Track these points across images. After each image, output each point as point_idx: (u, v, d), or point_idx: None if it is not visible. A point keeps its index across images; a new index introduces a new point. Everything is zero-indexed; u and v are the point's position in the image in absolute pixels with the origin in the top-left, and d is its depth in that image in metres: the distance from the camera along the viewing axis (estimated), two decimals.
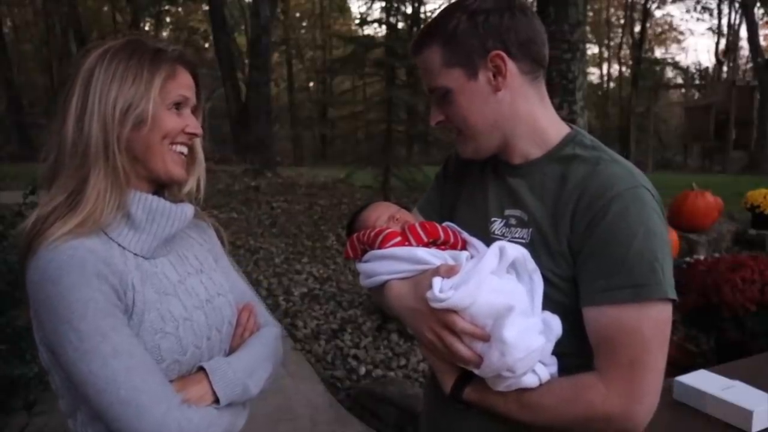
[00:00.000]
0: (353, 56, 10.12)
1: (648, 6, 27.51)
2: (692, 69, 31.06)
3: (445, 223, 1.31)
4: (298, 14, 32.15)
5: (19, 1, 25.48)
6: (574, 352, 1.13)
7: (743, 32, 25.57)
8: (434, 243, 1.24)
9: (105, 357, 1.03)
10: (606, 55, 34.30)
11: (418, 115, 9.32)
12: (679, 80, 29.98)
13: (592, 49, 32.70)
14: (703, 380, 1.85)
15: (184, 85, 1.21)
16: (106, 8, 27.14)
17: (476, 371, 1.12)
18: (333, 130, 21.31)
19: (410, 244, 1.23)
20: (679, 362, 3.39)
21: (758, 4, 21.58)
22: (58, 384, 1.15)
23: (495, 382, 1.11)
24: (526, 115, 1.23)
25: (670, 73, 31.68)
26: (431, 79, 1.23)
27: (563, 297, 1.15)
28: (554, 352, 1.12)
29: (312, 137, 28.17)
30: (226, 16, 18.90)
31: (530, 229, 1.21)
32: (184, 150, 1.24)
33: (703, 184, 6.75)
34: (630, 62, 29.48)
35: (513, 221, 1.24)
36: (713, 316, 3.53)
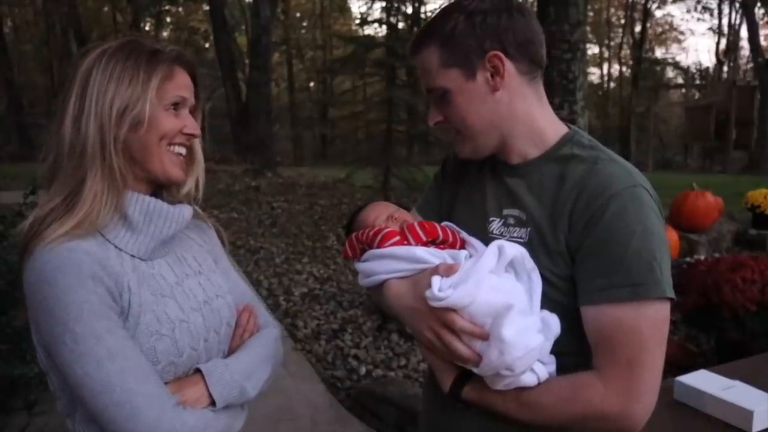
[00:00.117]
0: (354, 56, 10.12)
1: (648, 6, 27.51)
2: (693, 69, 31.05)
3: (443, 223, 1.31)
4: (298, 14, 32.15)
5: (19, 1, 25.49)
6: (573, 351, 1.14)
7: (744, 32, 25.58)
8: (433, 242, 1.24)
9: (99, 359, 1.03)
10: (606, 55, 34.32)
11: (418, 115, 9.31)
12: (680, 80, 29.97)
13: (593, 49, 32.71)
14: (703, 380, 1.85)
15: (181, 85, 1.20)
16: (106, 8, 27.12)
17: (475, 370, 1.12)
18: (333, 130, 21.32)
19: (409, 244, 1.23)
20: (680, 362, 3.39)
21: (759, 4, 21.57)
22: (56, 385, 1.15)
23: (494, 381, 1.12)
24: (524, 115, 1.24)
25: (670, 73, 31.67)
26: (429, 80, 1.23)
27: (561, 296, 1.15)
28: (553, 351, 1.12)
29: (312, 137, 28.17)
30: (227, 16, 18.89)
31: (528, 229, 1.21)
32: (182, 151, 1.23)
33: (704, 184, 6.75)
34: (630, 62, 29.48)
35: (511, 221, 1.25)
36: (713, 316, 3.53)
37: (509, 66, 1.19)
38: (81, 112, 1.13)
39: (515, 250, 1.14)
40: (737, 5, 26.36)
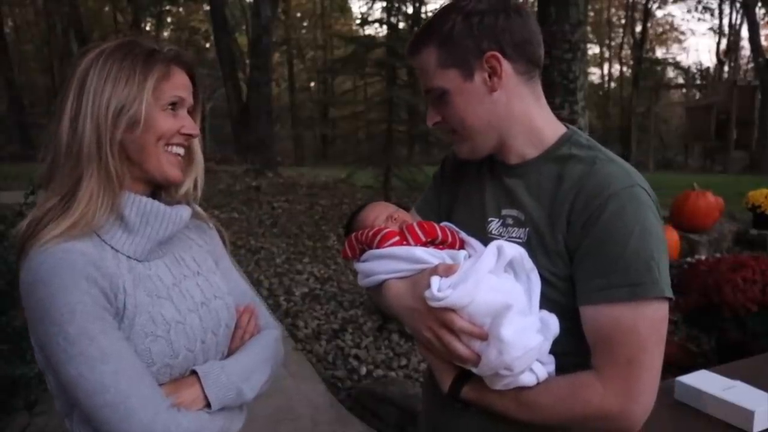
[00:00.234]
0: (354, 56, 10.12)
1: (649, 6, 27.51)
2: (693, 69, 31.06)
3: (443, 223, 1.31)
4: (299, 14, 32.16)
5: (20, 1, 25.51)
6: (571, 351, 1.14)
7: (744, 32, 25.57)
8: (432, 242, 1.24)
9: (93, 360, 1.03)
10: (607, 55, 34.33)
11: (419, 115, 9.32)
12: (680, 80, 29.97)
13: (593, 49, 32.71)
14: (704, 380, 1.85)
15: (179, 85, 1.20)
16: (107, 8, 27.15)
17: (474, 370, 1.12)
18: (334, 130, 21.34)
19: (408, 244, 1.23)
20: (680, 362, 3.39)
21: (759, 4, 21.58)
22: (53, 385, 1.15)
23: (493, 381, 1.12)
24: (522, 115, 1.24)
25: (671, 73, 31.67)
26: (427, 80, 1.24)
27: (560, 296, 1.15)
28: (551, 351, 1.12)
29: (313, 137, 28.19)
30: (227, 16, 18.91)
31: (527, 229, 1.21)
32: (180, 151, 1.22)
33: (704, 184, 6.75)
34: (631, 62, 29.48)
35: (510, 221, 1.25)
36: (714, 317, 3.53)
37: (507, 66, 1.19)
38: (78, 112, 1.12)
39: (514, 251, 1.14)
40: (738, 5, 26.36)
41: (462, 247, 1.25)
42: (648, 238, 1.10)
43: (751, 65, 26.82)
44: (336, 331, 4.83)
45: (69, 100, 1.14)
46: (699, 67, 32.10)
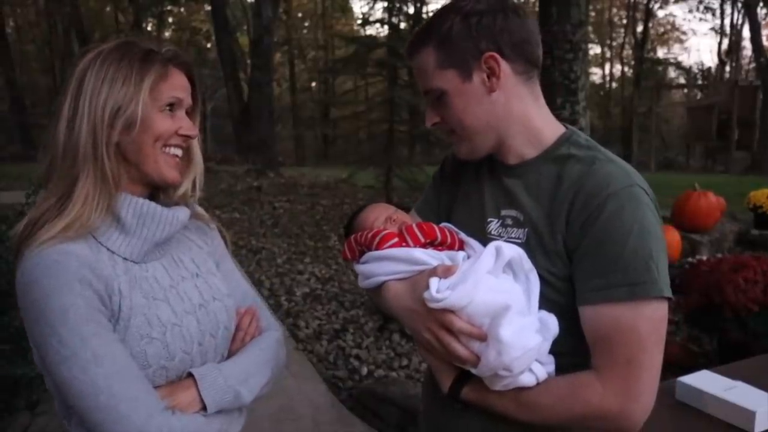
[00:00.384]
0: (355, 56, 10.13)
1: (650, 6, 27.49)
2: (695, 69, 31.01)
3: (442, 224, 1.31)
4: (300, 14, 32.19)
5: (21, 2, 25.54)
6: (570, 352, 1.14)
7: (746, 32, 25.55)
8: (431, 244, 1.24)
9: (85, 363, 1.02)
10: (608, 55, 34.30)
11: (420, 115, 9.32)
12: (682, 80, 29.93)
13: (595, 49, 32.72)
14: (705, 381, 1.85)
15: (177, 86, 1.19)
16: (108, 8, 27.16)
17: (473, 370, 1.12)
18: (335, 130, 21.32)
19: (407, 245, 1.23)
20: (682, 362, 3.39)
21: (761, 4, 21.56)
22: (51, 386, 1.14)
23: (492, 382, 1.12)
24: (521, 115, 1.24)
25: (672, 73, 31.67)
26: (426, 81, 1.24)
27: (559, 296, 1.15)
28: (551, 351, 1.12)
29: (314, 137, 28.22)
30: (229, 17, 18.93)
31: (526, 229, 1.21)
32: (178, 152, 1.22)
33: (706, 185, 6.74)
34: (632, 62, 29.44)
35: (509, 221, 1.25)
36: (716, 317, 3.53)
37: (505, 67, 1.19)
38: (75, 113, 1.12)
39: (513, 251, 1.14)
40: (739, 5, 26.33)
41: (461, 247, 1.25)
42: (647, 238, 1.10)
43: (752, 65, 26.80)
44: (337, 331, 4.83)
45: (66, 101, 1.14)
46: (700, 67, 32.12)
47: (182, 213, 1.23)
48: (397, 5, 9.72)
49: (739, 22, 27.98)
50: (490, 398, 1.15)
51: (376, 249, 1.25)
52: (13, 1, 24.30)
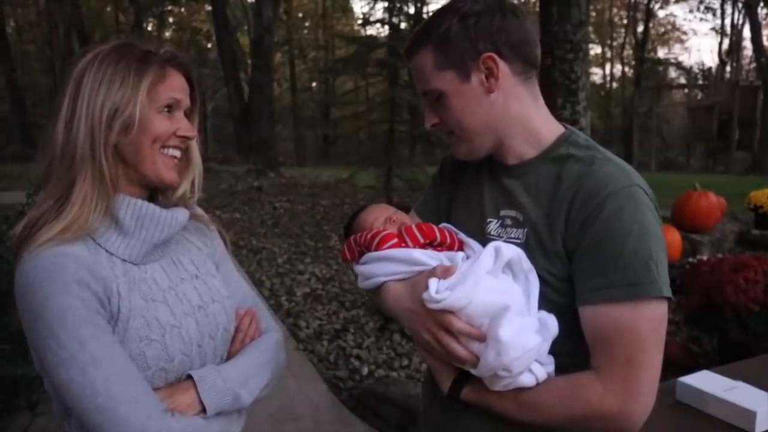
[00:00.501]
0: (356, 56, 10.13)
1: (651, 6, 27.50)
2: (695, 69, 31.05)
3: (441, 225, 1.31)
4: (300, 14, 32.20)
5: (22, 2, 25.55)
6: (570, 352, 1.14)
7: (746, 32, 25.55)
8: (431, 244, 1.24)
9: (84, 365, 1.02)
10: (609, 55, 34.31)
11: (420, 115, 9.30)
12: (682, 80, 29.95)
13: (595, 50, 32.73)
14: (705, 381, 1.85)
15: (175, 87, 1.19)
16: (109, 9, 27.18)
17: (473, 371, 1.12)
18: (335, 130, 21.35)
19: (407, 246, 1.23)
20: (682, 363, 3.39)
21: (761, 4, 21.55)
22: (50, 387, 1.14)
23: (492, 382, 1.12)
24: (520, 115, 1.24)
25: (673, 73, 31.70)
26: (424, 82, 1.24)
27: (559, 296, 1.15)
28: (551, 352, 1.12)
29: (314, 137, 28.24)
30: (229, 17, 18.93)
31: (525, 229, 1.21)
32: (177, 153, 1.21)
33: (706, 185, 6.74)
34: (633, 62, 29.44)
35: (509, 222, 1.25)
36: (716, 317, 3.53)
37: (503, 67, 1.19)
38: (72, 115, 1.12)
39: (512, 252, 1.14)
40: (740, 5, 26.32)
41: (461, 248, 1.25)
42: (646, 238, 1.10)
43: (753, 65, 26.80)
44: (338, 331, 4.83)
45: (64, 102, 1.13)
46: (701, 67, 32.12)
47: (181, 214, 1.23)
48: (398, 5, 9.73)
49: (740, 22, 27.99)
50: (490, 399, 1.15)
51: (376, 250, 1.25)
52: (13, 1, 24.30)
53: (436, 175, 1.49)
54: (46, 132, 1.16)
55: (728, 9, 28.90)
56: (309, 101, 30.38)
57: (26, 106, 21.46)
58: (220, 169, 14.43)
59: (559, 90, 5.50)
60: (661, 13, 31.69)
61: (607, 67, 34.68)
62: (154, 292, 1.17)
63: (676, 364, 3.38)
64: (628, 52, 31.26)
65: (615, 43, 33.31)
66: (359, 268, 1.30)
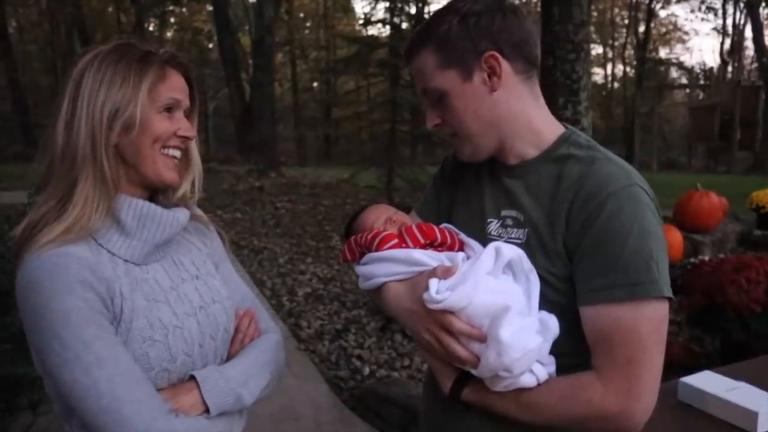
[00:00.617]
0: (357, 56, 10.14)
1: (652, 6, 27.48)
2: (697, 69, 31.04)
3: (442, 225, 1.31)
4: (302, 14, 32.22)
5: (23, 2, 25.57)
6: (571, 352, 1.13)
7: (748, 32, 25.51)
8: (431, 245, 1.24)
9: (88, 366, 1.02)
10: (610, 55, 34.29)
11: (421, 115, 9.29)
12: (684, 80, 29.95)
13: (597, 50, 32.72)
14: (707, 381, 1.84)
15: (175, 87, 1.19)
16: (110, 9, 27.20)
17: (474, 372, 1.12)
18: (337, 130, 21.36)
19: (407, 246, 1.23)
20: (684, 363, 3.39)
21: (763, 4, 21.53)
22: (51, 389, 1.14)
23: (493, 383, 1.11)
24: (522, 114, 1.24)
25: (674, 73, 31.69)
26: (425, 82, 1.23)
27: (560, 297, 1.15)
28: (551, 352, 1.12)
29: (316, 137, 28.24)
30: (230, 17, 18.94)
31: (526, 230, 1.21)
32: (177, 153, 1.21)
33: (708, 185, 6.73)
34: (634, 62, 29.43)
35: (509, 222, 1.25)
36: (718, 317, 3.52)
37: (505, 66, 1.19)
38: (73, 115, 1.12)
39: (512, 252, 1.13)
40: (742, 5, 26.29)
41: (461, 248, 1.25)
42: (647, 238, 1.10)
43: (754, 65, 26.79)
44: (339, 331, 4.83)
45: (64, 103, 1.13)
46: (702, 67, 32.11)
47: (182, 214, 1.23)
48: (399, 5, 9.74)
49: (742, 22, 27.96)
50: (491, 399, 1.15)
51: (376, 250, 1.25)
52: (15, 1, 24.32)
53: (436, 175, 1.49)
54: (46, 132, 1.16)
55: (730, 9, 28.89)
56: (310, 101, 30.38)
57: (28, 106, 21.46)
58: (221, 169, 14.44)
59: (561, 90, 5.49)
60: (662, 13, 31.71)
61: (609, 67, 34.68)
62: (156, 292, 1.17)
63: (677, 365, 3.38)
64: (630, 52, 31.24)
65: (616, 43, 33.29)
66: (360, 269, 1.30)
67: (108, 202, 1.13)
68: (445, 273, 1.11)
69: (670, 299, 1.11)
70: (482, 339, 1.07)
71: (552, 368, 1.14)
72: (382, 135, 9.37)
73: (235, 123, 17.80)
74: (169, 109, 1.18)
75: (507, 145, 1.26)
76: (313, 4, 31.73)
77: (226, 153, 19.48)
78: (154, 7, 24.59)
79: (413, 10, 10.56)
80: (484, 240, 1.23)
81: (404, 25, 9.97)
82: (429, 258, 1.18)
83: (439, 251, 1.22)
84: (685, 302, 3.76)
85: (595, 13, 28.55)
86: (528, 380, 1.10)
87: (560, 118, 1.31)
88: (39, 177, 1.17)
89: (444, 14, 1.21)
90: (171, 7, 26.46)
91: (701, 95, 26.49)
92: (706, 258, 4.84)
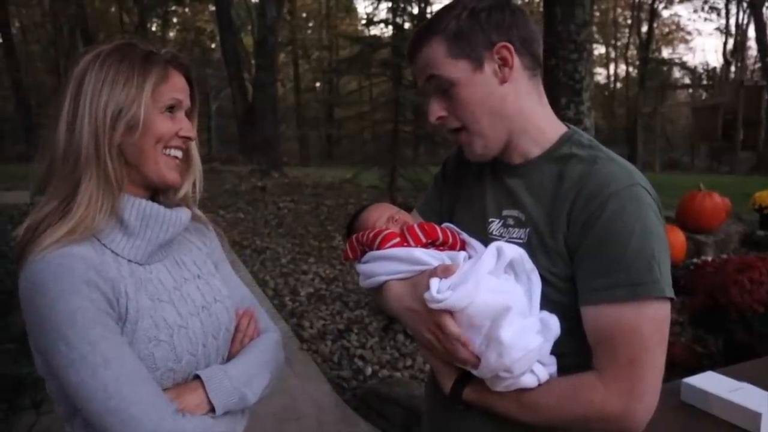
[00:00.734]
0: (360, 56, 10.14)
1: (655, 6, 27.45)
2: (700, 69, 31.02)
3: (444, 224, 1.31)
4: (304, 14, 32.25)
5: (27, 2, 25.62)
6: (572, 352, 1.13)
7: (751, 32, 25.50)
8: (433, 244, 1.24)
9: (94, 366, 1.02)
10: (613, 55, 34.28)
11: (424, 115, 9.30)
12: (687, 80, 29.93)
13: (599, 50, 32.70)
14: (710, 382, 1.84)
15: (177, 88, 1.19)
16: (113, 9, 27.25)
17: (474, 372, 1.11)
18: (339, 130, 21.33)
19: (409, 245, 1.23)
20: (687, 363, 3.38)
21: (767, 4, 21.49)
22: (54, 390, 1.14)
23: (494, 383, 1.11)
24: (529, 111, 1.24)
25: (677, 73, 31.68)
26: (434, 69, 1.21)
27: (561, 296, 1.15)
28: (553, 352, 1.11)
29: (318, 137, 28.28)
30: (233, 17, 18.97)
31: (527, 229, 1.21)
32: (178, 154, 1.21)
33: (711, 185, 6.72)
34: (637, 62, 29.41)
35: (511, 221, 1.24)
36: (721, 318, 3.51)
37: (516, 59, 1.19)
38: (75, 115, 1.11)
39: (514, 252, 1.13)
40: (745, 5, 26.26)
41: (463, 248, 1.25)
42: (649, 238, 1.09)
43: (757, 65, 26.76)
44: (341, 331, 4.83)
45: (66, 103, 1.13)
46: (705, 67, 32.09)
47: (184, 214, 1.23)
48: (402, 5, 9.74)
49: (745, 22, 27.95)
50: (492, 399, 1.15)
51: (378, 249, 1.25)
52: (18, 2, 24.37)
53: (438, 175, 1.49)
54: (46, 132, 1.15)
55: (733, 9, 28.90)
56: (313, 101, 30.38)
57: (31, 106, 21.50)
58: (223, 169, 14.47)
59: (563, 90, 5.49)
60: (665, 13, 31.71)
61: (611, 67, 34.68)
62: (160, 292, 1.17)
63: (680, 365, 3.37)
64: (632, 52, 31.25)
65: (619, 43, 33.29)
66: (361, 267, 1.30)
67: (112, 202, 1.12)
68: (446, 271, 1.11)
69: (672, 299, 1.10)
70: (470, 351, 1.08)
71: (553, 368, 1.14)
72: (385, 135, 9.37)
73: (237, 123, 17.84)
74: (171, 109, 1.18)
75: (513, 143, 1.25)
76: (316, 4, 31.76)
77: (229, 153, 19.51)
78: (157, 8, 24.65)
79: (416, 10, 10.57)
80: (486, 240, 1.23)
81: (407, 25, 9.97)
82: (430, 257, 1.18)
83: (441, 250, 1.22)
84: (688, 303, 3.75)
85: (597, 13, 28.52)
86: (529, 380, 1.10)
87: (563, 118, 1.31)
88: (39, 177, 1.16)
89: (452, 8, 1.20)
90: (174, 8, 26.51)
91: (704, 95, 26.43)
92: (709, 258, 4.83)
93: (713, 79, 28.14)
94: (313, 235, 8.17)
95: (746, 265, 3.56)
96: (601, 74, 33.61)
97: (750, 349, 3.24)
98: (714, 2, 28.78)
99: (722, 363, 3.41)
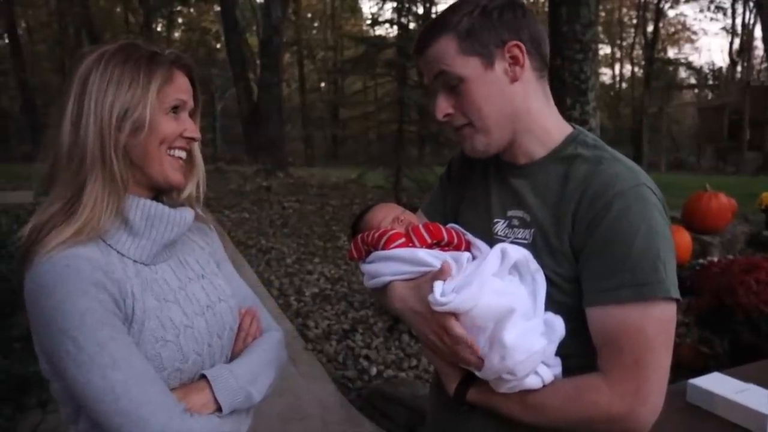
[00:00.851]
0: (365, 57, 10.15)
1: (661, 6, 27.39)
2: (705, 69, 30.92)
3: (449, 225, 1.31)
4: (309, 15, 32.29)
5: (32, 2, 25.71)
6: (577, 353, 1.13)
7: (758, 32, 25.40)
8: (438, 244, 1.24)
9: (103, 368, 1.02)
10: (618, 55, 34.22)
11: (429, 115, 9.32)
12: (693, 80, 29.82)
13: (605, 50, 32.65)
14: (716, 383, 1.84)
15: (181, 88, 1.19)
16: (118, 9, 27.32)
17: (478, 373, 1.11)
18: (344, 130, 21.34)
19: (414, 246, 1.23)
20: (693, 364, 3.38)
21: None
22: (59, 392, 1.14)
23: (497, 384, 1.11)
24: (536, 111, 1.23)
25: (683, 73, 31.57)
26: (444, 65, 1.19)
27: (566, 297, 1.14)
28: (558, 353, 1.11)
29: (323, 137, 28.31)
30: (238, 17, 18.99)
31: (532, 230, 1.20)
32: (183, 155, 1.21)
33: (717, 185, 6.70)
34: (642, 62, 29.34)
35: (516, 222, 1.24)
36: (727, 318, 3.51)
37: (527, 58, 1.19)
38: (80, 116, 1.11)
39: (518, 253, 1.13)
40: (751, 5, 26.17)
41: (468, 248, 1.24)
42: (654, 238, 1.09)
43: (764, 65, 26.68)
44: (346, 331, 4.84)
45: (69, 103, 1.12)
46: (711, 67, 32.00)
47: (188, 214, 1.23)
48: (407, 5, 9.75)
49: (751, 21, 27.83)
50: (496, 400, 1.15)
51: (383, 249, 1.25)
52: (24, 2, 24.46)
53: (443, 175, 1.49)
54: (49, 132, 1.15)
55: (739, 8, 28.78)
56: (318, 101, 30.44)
57: (37, 106, 21.57)
58: (228, 169, 14.49)
59: (569, 90, 5.48)
60: (671, 13, 31.65)
61: (617, 67, 34.62)
62: (166, 292, 1.17)
63: (686, 366, 3.37)
64: (638, 52, 31.17)
65: (624, 43, 33.22)
66: (365, 267, 1.30)
67: (118, 203, 1.12)
68: (444, 274, 1.11)
69: (677, 300, 1.10)
70: (476, 354, 1.08)
71: (558, 370, 1.13)
72: (390, 135, 9.38)
73: (242, 123, 17.84)
74: (175, 110, 1.18)
75: (517, 142, 1.25)
76: (321, 5, 31.79)
77: (234, 153, 19.54)
78: (162, 8, 24.70)
79: (421, 11, 10.57)
80: (491, 240, 1.23)
81: (412, 26, 9.98)
82: (434, 258, 1.18)
83: (446, 251, 1.22)
84: (694, 303, 3.74)
85: (603, 13, 28.48)
86: (533, 382, 1.10)
87: (568, 119, 1.30)
88: (42, 177, 1.16)
89: (462, 6, 1.20)
90: (179, 8, 26.55)
91: (710, 95, 26.37)
92: (715, 259, 4.82)
93: (719, 79, 28.07)
94: (318, 235, 8.17)
95: (752, 266, 3.55)
96: (606, 74, 33.60)
97: (756, 350, 3.23)
98: (720, 2, 28.73)
99: (728, 364, 3.40)
